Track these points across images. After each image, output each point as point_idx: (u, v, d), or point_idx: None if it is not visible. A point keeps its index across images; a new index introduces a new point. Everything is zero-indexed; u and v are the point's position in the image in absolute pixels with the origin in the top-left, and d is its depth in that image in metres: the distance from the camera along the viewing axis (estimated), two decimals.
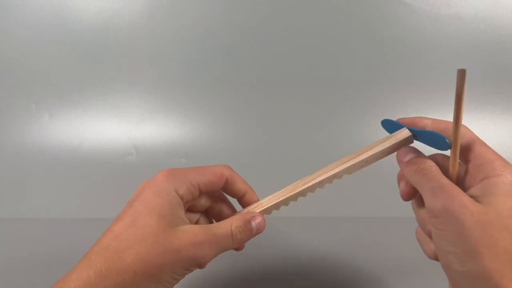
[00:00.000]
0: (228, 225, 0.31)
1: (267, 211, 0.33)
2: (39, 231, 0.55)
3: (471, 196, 0.26)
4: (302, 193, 0.33)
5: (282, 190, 0.33)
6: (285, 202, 0.33)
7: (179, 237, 0.28)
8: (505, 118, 0.73)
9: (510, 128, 0.72)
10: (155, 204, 0.29)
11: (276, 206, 0.33)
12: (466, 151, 0.30)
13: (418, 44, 0.72)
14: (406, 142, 0.32)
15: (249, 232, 0.31)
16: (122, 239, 0.28)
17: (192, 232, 0.29)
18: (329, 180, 0.33)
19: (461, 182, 0.30)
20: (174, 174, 0.31)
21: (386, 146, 0.32)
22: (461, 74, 0.28)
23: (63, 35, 0.72)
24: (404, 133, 0.32)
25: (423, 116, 0.33)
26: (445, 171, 0.30)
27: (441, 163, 0.31)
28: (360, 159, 0.33)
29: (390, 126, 0.33)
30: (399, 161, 0.31)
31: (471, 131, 0.31)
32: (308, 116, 0.72)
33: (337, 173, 0.33)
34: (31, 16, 0.71)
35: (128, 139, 0.71)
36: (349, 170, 0.33)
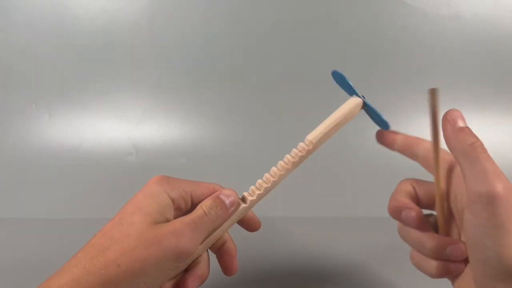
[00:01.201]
0: (199, 207, 0.31)
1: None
2: (39, 231, 0.55)
3: None
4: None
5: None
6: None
7: (160, 230, 0.28)
8: (505, 118, 0.73)
9: (510, 128, 0.72)
10: (144, 204, 0.30)
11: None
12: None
13: (418, 44, 0.72)
14: (357, 108, 0.34)
15: (222, 205, 0.31)
16: (108, 236, 0.28)
17: (171, 224, 0.29)
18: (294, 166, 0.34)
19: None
20: (166, 178, 0.32)
21: (341, 113, 0.34)
22: (433, 93, 0.29)
23: (63, 35, 0.72)
24: (358, 101, 0.34)
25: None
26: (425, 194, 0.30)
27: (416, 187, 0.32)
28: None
29: (340, 80, 0.34)
30: (448, 122, 0.30)
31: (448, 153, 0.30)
32: (308, 116, 0.72)
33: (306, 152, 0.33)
34: (31, 16, 0.71)
35: (128, 139, 0.71)
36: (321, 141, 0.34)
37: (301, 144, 0.34)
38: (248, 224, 0.35)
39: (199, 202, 0.32)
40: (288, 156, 0.34)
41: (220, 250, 0.34)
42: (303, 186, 0.61)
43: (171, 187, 0.31)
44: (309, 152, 0.33)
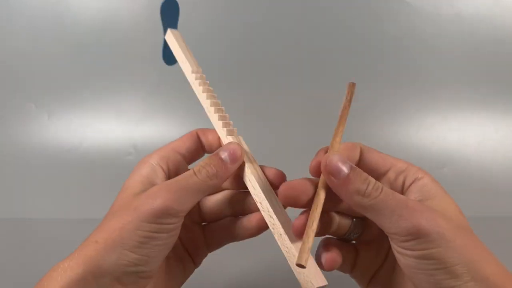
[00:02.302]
0: (191, 169, 0.28)
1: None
2: (39, 231, 0.55)
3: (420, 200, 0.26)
4: None
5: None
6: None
7: (138, 197, 0.27)
8: (505, 118, 0.73)
9: (510, 129, 0.72)
10: (127, 182, 0.29)
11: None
12: (369, 167, 0.28)
13: (419, 43, 0.72)
14: None
15: (219, 161, 0.28)
16: (97, 227, 0.28)
17: (149, 189, 0.27)
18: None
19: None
20: (158, 151, 0.31)
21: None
22: (351, 88, 0.28)
23: (63, 35, 0.72)
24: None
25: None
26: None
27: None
28: None
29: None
30: (329, 176, 0.25)
31: (357, 146, 0.29)
32: (308, 116, 0.72)
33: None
34: (31, 16, 0.71)
35: (128, 139, 0.71)
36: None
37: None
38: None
39: (190, 155, 0.32)
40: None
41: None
42: None
43: (149, 156, 0.30)
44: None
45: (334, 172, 0.25)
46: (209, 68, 0.74)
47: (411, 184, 0.27)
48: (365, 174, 0.25)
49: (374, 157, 0.29)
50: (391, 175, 0.28)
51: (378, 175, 0.29)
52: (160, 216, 0.26)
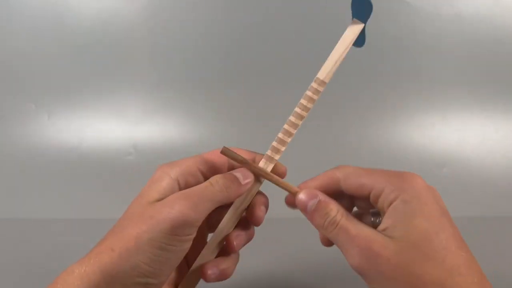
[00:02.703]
0: (207, 181, 0.29)
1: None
2: (39, 231, 0.55)
3: (385, 229, 0.26)
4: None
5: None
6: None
7: (154, 206, 0.27)
8: (505, 118, 0.73)
9: (510, 128, 0.72)
10: (143, 191, 0.29)
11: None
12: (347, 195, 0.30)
13: (419, 43, 0.72)
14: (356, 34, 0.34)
15: (233, 179, 0.29)
16: (109, 230, 0.28)
17: (166, 198, 0.28)
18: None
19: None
20: (168, 163, 0.31)
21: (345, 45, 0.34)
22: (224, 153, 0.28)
23: (63, 35, 0.72)
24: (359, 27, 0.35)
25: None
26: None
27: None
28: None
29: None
30: (302, 209, 0.29)
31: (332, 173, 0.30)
32: (308, 117, 0.72)
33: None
34: (31, 16, 0.71)
35: (128, 139, 0.71)
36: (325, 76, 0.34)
37: (314, 86, 0.34)
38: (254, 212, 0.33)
39: (210, 170, 0.31)
40: (301, 100, 0.34)
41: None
42: None
43: (171, 167, 0.30)
44: (319, 93, 0.34)
45: (302, 208, 0.29)
46: (209, 67, 0.74)
47: (388, 207, 0.27)
48: (326, 209, 0.28)
49: (353, 184, 0.29)
50: (372, 199, 0.29)
51: (361, 200, 0.30)
52: (177, 226, 0.26)
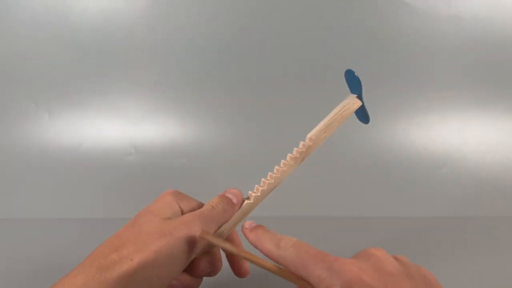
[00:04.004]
0: (208, 203, 0.33)
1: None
2: (38, 231, 0.55)
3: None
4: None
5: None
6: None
7: (171, 222, 0.30)
8: (505, 118, 0.73)
9: (510, 128, 0.72)
10: (155, 208, 0.32)
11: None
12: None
13: (418, 44, 0.72)
14: (354, 107, 0.36)
15: (228, 200, 0.33)
16: (122, 237, 0.29)
17: (181, 217, 0.31)
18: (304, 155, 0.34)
19: None
20: (178, 192, 0.34)
21: (339, 111, 0.36)
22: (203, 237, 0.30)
23: (63, 34, 0.72)
24: (357, 102, 0.36)
25: None
26: None
27: None
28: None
29: (350, 77, 0.36)
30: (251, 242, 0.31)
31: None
32: (308, 117, 0.72)
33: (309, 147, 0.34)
34: (31, 16, 0.71)
35: (128, 139, 0.71)
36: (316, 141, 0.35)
37: (302, 142, 0.35)
38: (238, 267, 0.36)
39: None
40: (289, 154, 0.35)
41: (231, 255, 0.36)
42: (303, 186, 0.61)
43: (181, 199, 0.33)
44: (309, 149, 0.34)
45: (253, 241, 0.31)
46: (210, 68, 0.74)
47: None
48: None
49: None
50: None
51: None
52: (193, 245, 0.29)
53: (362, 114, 0.36)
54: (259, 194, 0.34)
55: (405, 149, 0.69)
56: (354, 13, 0.71)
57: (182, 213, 0.32)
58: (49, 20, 0.71)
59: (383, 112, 0.72)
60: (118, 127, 0.72)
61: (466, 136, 0.71)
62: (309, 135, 0.35)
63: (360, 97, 0.35)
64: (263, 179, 0.35)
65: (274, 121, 0.73)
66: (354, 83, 0.35)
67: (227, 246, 0.29)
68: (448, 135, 0.71)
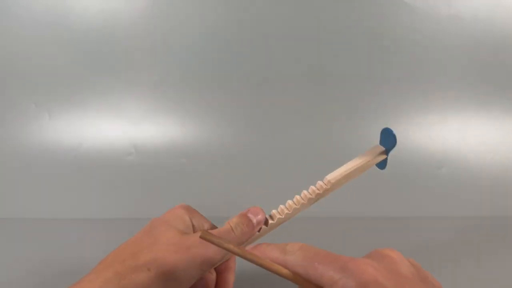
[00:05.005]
0: (227, 223, 0.33)
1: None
2: (39, 231, 0.55)
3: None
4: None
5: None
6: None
7: (188, 238, 0.30)
8: (505, 118, 0.73)
9: (510, 128, 0.72)
10: (170, 219, 0.32)
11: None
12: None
13: (418, 44, 0.72)
14: (378, 159, 0.34)
15: (248, 222, 0.33)
16: (139, 243, 0.30)
17: (198, 234, 0.30)
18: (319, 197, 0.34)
19: None
20: (190, 207, 0.34)
21: (364, 160, 0.34)
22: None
23: (63, 34, 0.72)
24: (382, 155, 0.35)
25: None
26: None
27: None
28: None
29: (386, 134, 0.35)
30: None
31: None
32: (309, 117, 0.72)
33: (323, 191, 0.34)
34: (31, 16, 0.71)
35: (128, 139, 0.71)
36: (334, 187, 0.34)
37: (319, 183, 0.34)
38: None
39: None
40: (305, 191, 0.34)
41: (220, 267, 0.35)
42: (303, 186, 0.61)
43: (193, 215, 0.34)
44: (326, 191, 0.34)
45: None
46: (210, 68, 0.74)
47: None
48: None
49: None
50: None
51: None
52: (207, 264, 0.30)
53: (382, 164, 0.36)
54: (267, 227, 0.34)
55: (405, 149, 0.69)
56: (354, 13, 0.71)
57: (194, 229, 0.33)
58: (49, 20, 0.71)
59: (383, 112, 0.72)
60: (118, 127, 0.72)
61: (466, 136, 0.71)
62: (328, 177, 0.34)
63: (387, 152, 0.35)
64: (273, 211, 0.34)
65: (274, 121, 0.73)
66: (388, 140, 0.35)
67: (231, 247, 0.29)
68: (448, 135, 0.71)
